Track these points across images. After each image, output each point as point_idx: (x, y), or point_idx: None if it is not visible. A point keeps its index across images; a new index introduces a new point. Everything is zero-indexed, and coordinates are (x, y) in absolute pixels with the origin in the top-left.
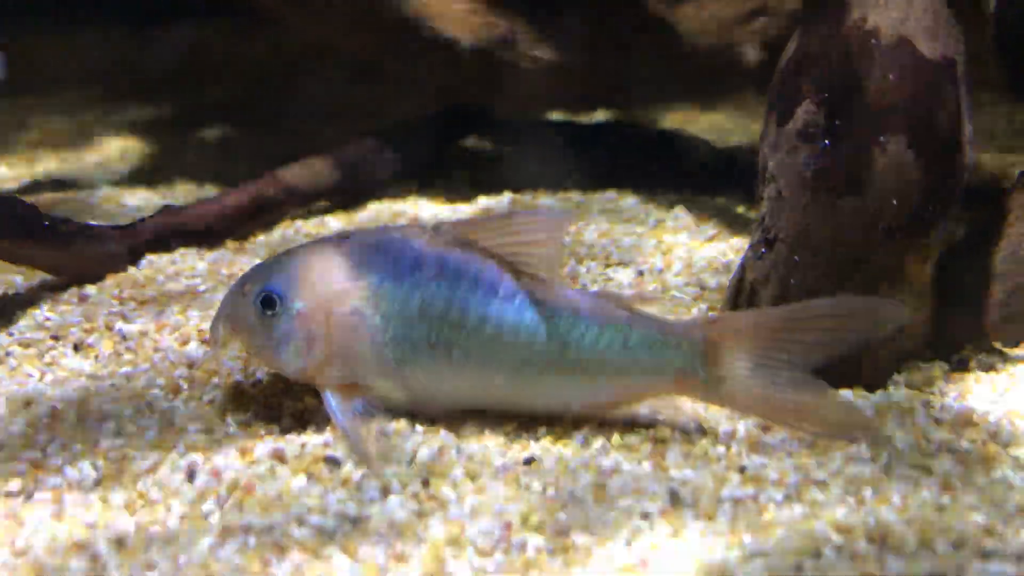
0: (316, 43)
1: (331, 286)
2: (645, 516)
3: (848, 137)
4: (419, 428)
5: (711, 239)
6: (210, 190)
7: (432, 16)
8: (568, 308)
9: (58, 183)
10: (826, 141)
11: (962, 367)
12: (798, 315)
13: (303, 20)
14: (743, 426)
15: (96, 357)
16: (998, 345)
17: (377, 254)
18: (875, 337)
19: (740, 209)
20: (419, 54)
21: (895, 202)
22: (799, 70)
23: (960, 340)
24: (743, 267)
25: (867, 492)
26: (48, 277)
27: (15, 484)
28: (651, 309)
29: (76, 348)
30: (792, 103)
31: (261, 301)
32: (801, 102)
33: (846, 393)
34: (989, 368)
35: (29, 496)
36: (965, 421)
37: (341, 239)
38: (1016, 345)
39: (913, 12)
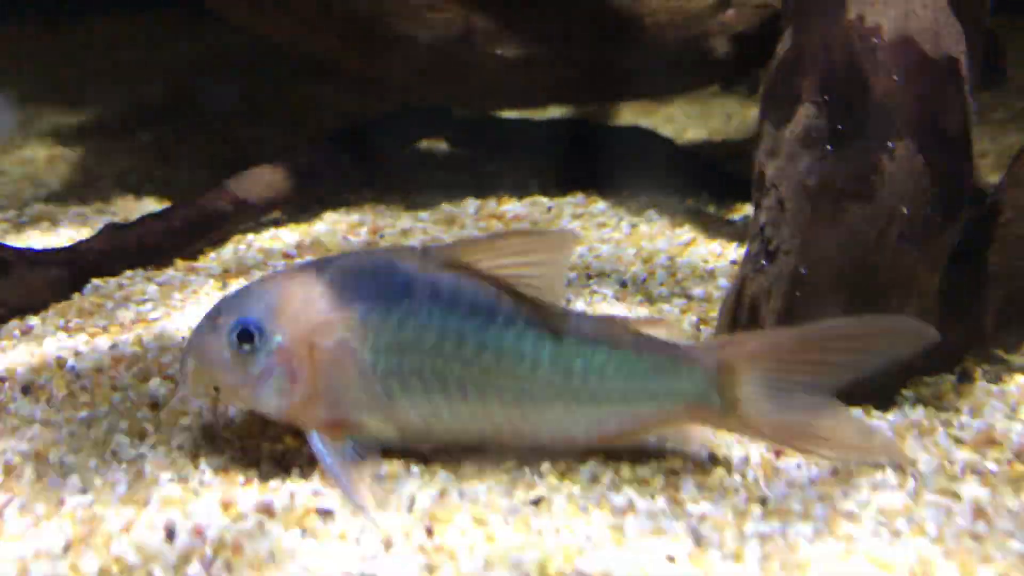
0: (266, 41)
1: (314, 316)
2: (671, 559)
3: (854, 142)
4: (415, 469)
5: (689, 244)
6: (149, 202)
7: (390, 12)
8: (572, 333)
9: None
10: (829, 146)
11: (967, 379)
12: (817, 335)
13: (253, 19)
14: (756, 452)
15: (48, 400)
16: (1000, 352)
17: (364, 280)
18: (899, 358)
19: (711, 209)
20: (376, 52)
21: (906, 209)
22: (796, 71)
23: (958, 348)
24: (741, 281)
25: (900, 523)
26: None
27: None
28: (660, 332)
29: (25, 391)
30: (790, 106)
31: (237, 335)
32: (799, 104)
33: (856, 412)
34: (996, 379)
35: None
36: (987, 440)
37: (323, 263)
38: (1015, 350)
39: (914, 9)
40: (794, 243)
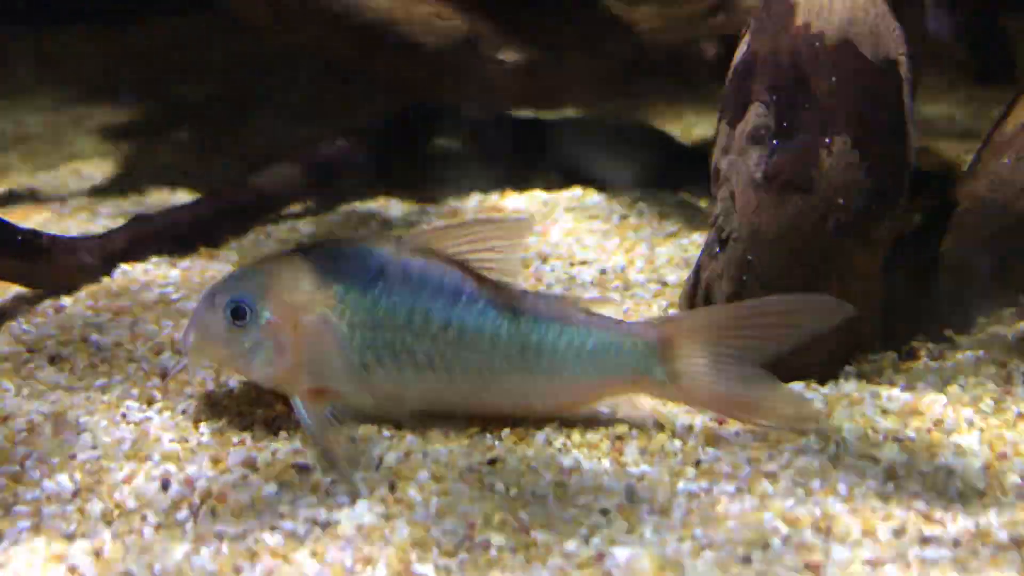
0: (284, 45)
1: (298, 295)
2: (603, 512)
3: (795, 137)
4: (386, 433)
5: (672, 235)
6: (183, 195)
7: (397, 20)
8: (528, 312)
9: (33, 192)
10: (775, 142)
11: (911, 357)
12: (748, 312)
13: (275, 25)
14: (700, 420)
15: (71, 369)
16: (948, 332)
17: (343, 263)
18: (821, 332)
19: (702, 203)
20: (387, 57)
21: (842, 200)
22: (748, 74)
23: (911, 328)
24: (699, 266)
25: (815, 483)
26: (22, 290)
27: None
28: (608, 310)
29: (52, 360)
30: (742, 106)
31: (231, 312)
32: (751, 105)
33: (798, 385)
34: (938, 357)
35: (8, 509)
36: (911, 410)
37: (308, 249)
38: (965, 332)
39: (855, 16)
40: (743, 232)
